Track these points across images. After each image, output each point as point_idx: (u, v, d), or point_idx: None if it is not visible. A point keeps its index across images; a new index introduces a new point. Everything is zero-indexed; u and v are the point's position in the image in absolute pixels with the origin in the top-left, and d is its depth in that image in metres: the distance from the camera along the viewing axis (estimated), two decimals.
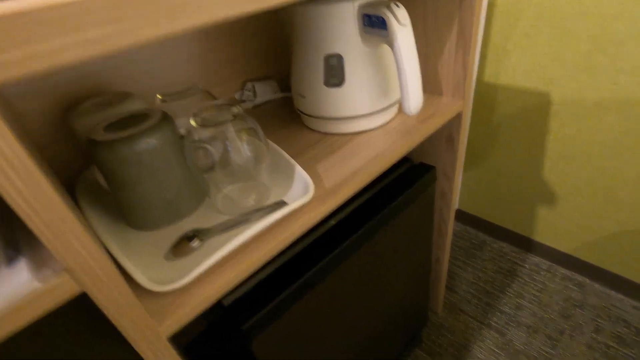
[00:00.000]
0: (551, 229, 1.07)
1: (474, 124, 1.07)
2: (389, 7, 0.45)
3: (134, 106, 0.46)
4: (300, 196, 0.42)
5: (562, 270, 1.08)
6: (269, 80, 0.73)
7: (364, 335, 0.71)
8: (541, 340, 0.92)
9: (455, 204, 1.27)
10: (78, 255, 0.23)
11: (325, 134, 0.58)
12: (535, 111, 0.92)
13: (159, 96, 0.48)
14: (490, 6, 0.88)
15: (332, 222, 0.56)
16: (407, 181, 0.65)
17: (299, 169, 0.46)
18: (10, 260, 0.25)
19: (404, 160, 0.70)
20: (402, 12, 0.45)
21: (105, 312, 0.27)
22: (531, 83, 0.89)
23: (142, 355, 0.31)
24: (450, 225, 0.81)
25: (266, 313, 0.46)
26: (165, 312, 0.33)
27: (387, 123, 0.59)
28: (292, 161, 0.46)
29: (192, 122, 0.40)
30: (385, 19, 0.45)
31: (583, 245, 1.02)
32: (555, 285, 1.05)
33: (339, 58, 0.50)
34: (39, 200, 0.21)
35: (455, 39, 0.58)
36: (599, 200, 0.92)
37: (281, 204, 0.42)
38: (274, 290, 0.47)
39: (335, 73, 0.51)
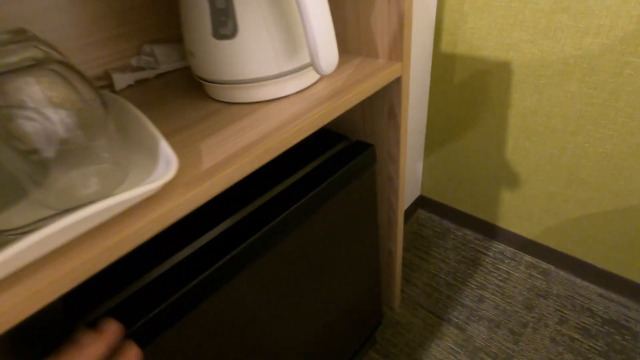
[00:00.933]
0: (515, 213, 0.99)
1: (433, 100, 0.97)
2: None
3: None
4: (161, 177, 0.31)
5: (527, 258, 1.02)
6: (175, 43, 0.60)
7: (305, 342, 0.61)
8: (503, 335, 0.85)
9: (416, 189, 1.18)
10: None
11: (227, 103, 0.46)
12: (495, 83, 0.83)
13: None
14: None
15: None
16: (343, 160, 0.54)
17: (162, 144, 0.34)
18: None
19: (338, 138, 0.59)
20: None
21: None
22: (490, 51, 0.80)
23: None
24: (400, 214, 0.72)
25: (140, 328, 0.34)
26: None
27: (305, 90, 0.47)
28: (155, 133, 0.34)
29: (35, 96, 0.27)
30: None
31: (547, 231, 0.95)
32: (519, 274, 0.98)
33: (228, 1, 0.38)
34: None
35: None
36: (562, 179, 0.85)
37: (131, 189, 0.30)
38: (157, 299, 0.36)
39: (224, 19, 0.39)
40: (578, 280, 0.94)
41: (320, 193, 0.50)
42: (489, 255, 1.04)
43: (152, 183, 0.29)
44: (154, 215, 0.30)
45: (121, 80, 0.55)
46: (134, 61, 0.57)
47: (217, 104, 0.47)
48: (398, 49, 0.51)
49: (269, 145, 0.37)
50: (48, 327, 0.39)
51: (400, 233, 0.75)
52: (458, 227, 1.15)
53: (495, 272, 0.99)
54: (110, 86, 0.55)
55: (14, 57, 0.28)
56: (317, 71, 0.40)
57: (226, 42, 0.40)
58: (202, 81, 0.46)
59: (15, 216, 0.31)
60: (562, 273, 0.96)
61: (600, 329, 0.83)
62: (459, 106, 0.93)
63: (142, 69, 0.58)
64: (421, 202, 1.21)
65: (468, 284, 0.97)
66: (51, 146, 0.30)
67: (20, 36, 0.35)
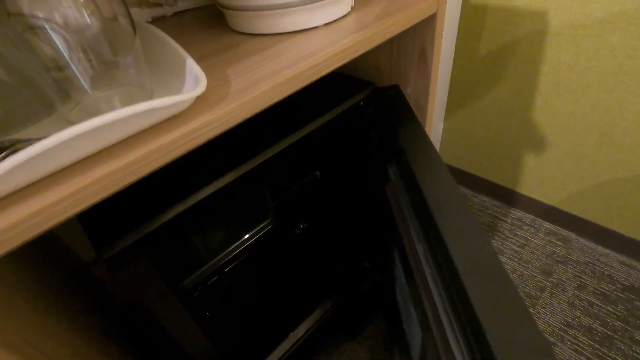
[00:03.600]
0: (537, 178, 0.96)
1: (458, 55, 0.92)
2: None
3: None
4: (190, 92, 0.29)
5: (547, 225, 0.99)
6: None
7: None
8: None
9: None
10: None
11: (252, 35, 0.44)
12: (528, 36, 0.78)
13: None
14: None
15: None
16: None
17: (190, 62, 0.31)
18: None
19: (366, 85, 0.56)
20: None
21: None
22: (525, 1, 0.74)
23: None
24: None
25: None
26: None
27: (334, 22, 0.44)
28: (182, 53, 0.32)
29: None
30: None
31: (571, 197, 0.92)
32: (538, 241, 0.96)
33: None
34: None
35: None
36: (592, 140, 0.81)
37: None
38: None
39: None
40: (599, 248, 0.92)
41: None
42: (506, 222, 1.02)
43: (182, 95, 0.27)
44: (185, 130, 0.28)
45: (138, 16, 0.52)
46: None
47: (240, 36, 0.44)
48: None
49: (299, 70, 0.35)
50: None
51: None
52: (475, 193, 1.12)
53: (513, 238, 0.98)
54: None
55: None
56: None
57: None
58: (224, 9, 0.43)
59: (41, 129, 0.30)
60: (583, 240, 0.94)
61: (621, 295, 0.82)
62: (486, 62, 0.88)
63: (159, 5, 0.55)
64: None
65: None
66: (79, 56, 0.28)
67: None
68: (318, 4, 0.41)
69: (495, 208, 1.07)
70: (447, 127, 1.07)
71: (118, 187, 0.26)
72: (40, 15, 0.27)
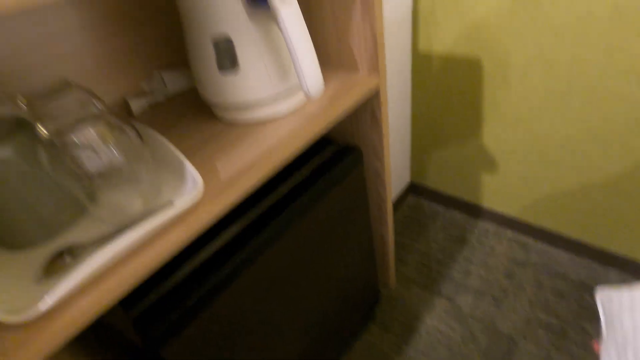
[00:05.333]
0: (497, 193, 1.09)
1: (416, 94, 1.05)
2: None
3: None
4: (191, 194, 0.39)
5: (509, 233, 1.12)
6: (182, 68, 0.68)
7: (313, 321, 0.71)
8: (487, 301, 0.96)
9: (405, 176, 1.27)
10: None
11: (232, 123, 0.55)
12: (469, 76, 0.91)
13: (21, 99, 0.43)
14: None
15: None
16: (332, 164, 0.63)
17: (188, 166, 0.42)
18: None
19: (330, 143, 0.68)
20: None
21: None
22: (462, 49, 0.88)
23: None
24: (389, 202, 0.81)
25: (174, 321, 0.44)
26: (22, 345, 0.30)
27: (298, 108, 0.56)
28: (181, 157, 0.43)
29: (41, 130, 0.35)
30: None
31: (525, 207, 1.05)
32: (501, 248, 1.08)
33: (228, 41, 0.46)
34: None
35: (360, 9, 0.54)
36: (534, 161, 0.94)
37: (169, 205, 0.39)
38: (184, 296, 0.45)
39: (226, 57, 0.47)
40: (553, 250, 1.04)
41: (315, 194, 0.59)
42: (474, 233, 1.14)
43: (186, 200, 0.38)
44: (189, 225, 0.39)
45: (137, 105, 0.63)
46: (144, 85, 0.65)
47: (222, 124, 0.55)
48: (374, 63, 0.59)
49: (274, 161, 0.46)
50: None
51: (390, 220, 0.85)
52: (446, 209, 1.24)
53: (480, 247, 1.10)
54: (129, 110, 0.63)
55: (77, 114, 0.36)
56: (306, 94, 0.48)
57: (229, 74, 0.48)
58: (210, 105, 0.54)
59: (80, 229, 0.40)
60: (539, 244, 1.07)
61: (572, 290, 0.94)
62: (438, 99, 1.01)
63: (152, 92, 0.66)
64: (411, 188, 1.31)
65: (456, 259, 1.08)
66: (103, 172, 0.39)
67: (67, 87, 0.43)
68: (282, 98, 0.52)
69: (463, 221, 1.19)
70: (416, 153, 1.19)
71: (148, 272, 0.36)
72: (75, 141, 0.38)
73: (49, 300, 0.31)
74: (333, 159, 0.64)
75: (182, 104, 0.64)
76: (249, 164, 0.45)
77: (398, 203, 1.28)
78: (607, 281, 0.95)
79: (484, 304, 0.95)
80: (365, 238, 0.80)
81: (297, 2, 0.43)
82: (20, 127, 0.37)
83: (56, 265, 0.36)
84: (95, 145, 0.38)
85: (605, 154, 0.82)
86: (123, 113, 0.62)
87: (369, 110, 0.66)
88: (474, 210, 1.18)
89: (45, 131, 0.36)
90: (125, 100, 0.62)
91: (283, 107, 0.54)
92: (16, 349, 0.29)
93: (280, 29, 0.43)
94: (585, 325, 0.87)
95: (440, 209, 1.25)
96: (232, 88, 0.49)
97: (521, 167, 0.97)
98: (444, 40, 0.89)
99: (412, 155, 1.21)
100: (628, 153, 0.79)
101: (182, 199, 0.38)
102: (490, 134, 0.97)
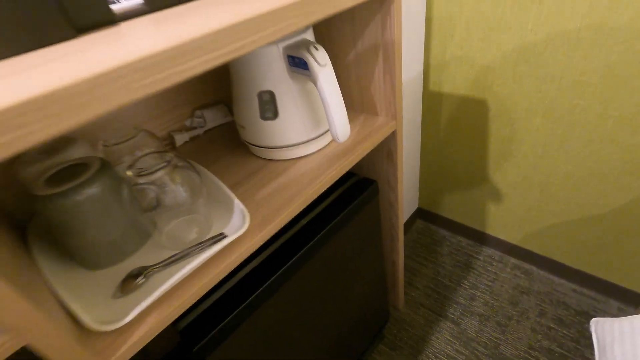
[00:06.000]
0: (500, 222, 1.15)
1: (426, 129, 1.13)
2: (308, 50, 0.49)
3: (76, 153, 0.49)
4: (238, 227, 0.47)
5: (512, 260, 1.17)
6: (218, 105, 0.76)
7: (328, 339, 0.77)
8: (491, 327, 1.00)
9: (402, 212, 1.34)
10: (17, 315, 0.27)
11: (268, 160, 0.63)
12: (476, 115, 0.99)
13: (101, 143, 0.51)
14: (428, 20, 0.94)
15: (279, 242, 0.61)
16: (352, 195, 0.70)
17: (237, 202, 0.50)
18: None
19: (350, 175, 0.75)
20: (321, 54, 0.50)
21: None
22: (469, 91, 0.96)
23: None
24: (400, 231, 0.88)
25: (217, 334, 0.50)
26: (110, 350, 0.37)
27: (326, 146, 0.63)
28: (231, 195, 0.51)
29: (128, 173, 0.43)
30: (306, 61, 0.49)
31: (528, 236, 1.11)
32: (505, 275, 1.13)
33: (271, 94, 0.55)
34: None
35: (382, 64, 0.63)
36: (535, 194, 1.01)
37: (220, 236, 0.47)
38: (224, 312, 0.52)
39: (268, 107, 0.56)
40: (555, 279, 1.09)
41: (336, 223, 0.66)
42: (479, 259, 1.20)
43: (241, 229, 0.45)
44: (239, 251, 0.46)
45: (180, 138, 0.71)
46: (187, 122, 0.74)
47: (259, 160, 0.63)
48: (392, 109, 0.67)
49: (308, 194, 0.53)
50: None
51: (401, 247, 0.91)
52: (452, 234, 1.30)
53: (485, 274, 1.15)
54: (172, 143, 0.71)
55: (151, 158, 0.44)
56: (335, 140, 0.56)
57: (269, 122, 0.57)
58: (250, 145, 0.62)
59: (145, 254, 0.48)
60: (542, 272, 1.12)
61: (573, 319, 0.98)
62: (447, 135, 1.09)
63: (194, 128, 0.75)
64: (419, 213, 1.37)
65: (462, 284, 1.13)
66: (169, 206, 0.47)
67: (137, 132, 0.52)
68: (313, 140, 0.60)
69: (469, 247, 1.24)
70: (424, 182, 1.27)
71: (203, 292, 0.43)
72: (142, 182, 0.45)
73: (132, 314, 0.38)
74: (352, 189, 0.71)
75: (219, 137, 0.72)
76: (286, 198, 0.53)
77: (407, 227, 1.34)
78: (607, 309, 0.99)
79: (489, 329, 1.00)
80: (377, 263, 0.86)
81: (331, 64, 0.51)
82: (104, 167, 0.45)
83: (130, 283, 0.43)
84: (165, 184, 0.45)
85: (602, 190, 0.88)
86: (169, 145, 0.71)
87: (385, 148, 0.73)
88: (479, 237, 1.24)
89: (127, 172, 0.44)
90: (170, 134, 0.71)
91: (313, 147, 0.61)
92: (117, 347, 0.36)
93: (317, 87, 0.51)
94: (585, 352, 0.91)
95: (447, 234, 1.31)
96: (272, 133, 0.57)
97: (524, 198, 1.04)
98: (453, 82, 0.98)
99: (421, 183, 1.28)
100: (622, 190, 0.85)
101: (234, 231, 0.46)
102: (495, 167, 1.04)
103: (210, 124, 0.75)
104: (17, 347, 0.29)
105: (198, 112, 0.74)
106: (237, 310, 0.52)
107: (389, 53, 0.60)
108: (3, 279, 0.26)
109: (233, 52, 0.34)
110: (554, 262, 1.08)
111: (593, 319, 0.69)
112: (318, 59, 0.49)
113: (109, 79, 0.26)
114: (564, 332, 0.96)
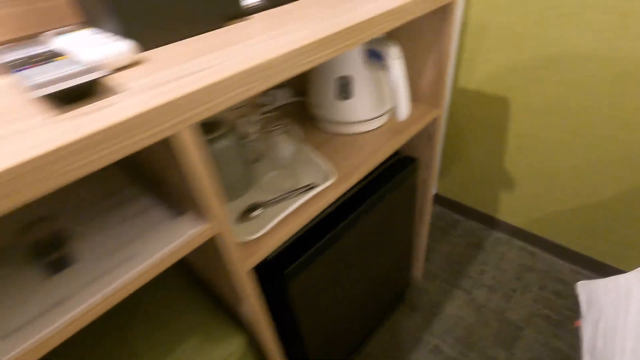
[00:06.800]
0: (510, 208, 1.29)
1: (451, 122, 1.27)
2: (386, 46, 0.63)
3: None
4: (325, 180, 0.61)
5: (518, 243, 1.32)
6: (284, 87, 0.90)
7: (367, 285, 0.91)
8: (499, 296, 1.15)
9: (434, 188, 1.48)
10: (214, 216, 0.41)
11: (334, 134, 0.76)
12: (498, 111, 1.13)
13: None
14: (464, 25, 1.07)
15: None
16: (395, 169, 0.84)
17: (323, 161, 0.64)
18: (178, 215, 0.42)
19: (394, 154, 0.89)
20: (395, 49, 0.63)
21: (222, 250, 0.45)
22: (494, 89, 1.10)
23: (234, 277, 0.49)
24: (429, 205, 1.02)
25: (300, 263, 0.64)
26: (249, 253, 0.51)
27: (382, 126, 0.77)
28: (317, 155, 0.65)
29: (250, 130, 0.57)
30: (384, 54, 0.63)
31: (533, 221, 1.25)
32: (512, 255, 1.28)
33: (349, 79, 0.68)
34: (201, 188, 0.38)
35: (434, 62, 0.76)
36: (543, 184, 1.15)
37: (312, 185, 0.60)
38: (306, 247, 0.66)
39: (344, 90, 0.69)
40: (556, 259, 1.24)
41: (384, 190, 0.79)
42: (489, 240, 1.34)
43: (329, 180, 0.59)
44: (324, 200, 0.60)
45: (252, 115, 0.85)
46: (259, 100, 0.87)
47: (327, 135, 0.77)
48: (438, 99, 0.81)
49: (372, 161, 0.67)
50: None
51: (428, 219, 1.06)
52: (465, 218, 1.45)
53: (493, 253, 1.30)
54: None
55: (272, 123, 0.58)
56: (399, 118, 0.69)
57: (344, 101, 0.70)
58: (319, 120, 0.76)
59: (250, 198, 0.61)
60: (544, 254, 1.27)
61: (570, 293, 1.13)
62: (468, 129, 1.23)
63: (264, 105, 0.88)
64: (437, 199, 1.52)
65: (473, 261, 1.28)
66: (274, 159, 0.60)
67: (245, 101, 0.65)
68: (376, 118, 0.74)
69: (480, 230, 1.39)
70: (444, 170, 1.41)
71: (299, 229, 0.57)
72: (254, 138, 0.59)
73: (263, 231, 0.52)
74: (396, 165, 0.85)
75: (286, 114, 0.86)
76: (355, 163, 0.67)
77: None
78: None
79: (496, 298, 1.15)
80: (408, 232, 1.01)
81: (402, 58, 0.65)
82: (232, 127, 0.59)
83: (246, 215, 0.57)
84: (275, 142, 0.59)
85: (602, 181, 1.03)
86: None
87: (426, 132, 0.87)
88: (489, 221, 1.38)
89: (249, 129, 0.58)
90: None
91: (374, 125, 0.75)
92: (253, 253, 0.50)
93: (390, 74, 0.64)
94: (578, 318, 1.06)
95: (461, 218, 1.45)
96: (344, 111, 0.71)
97: (532, 187, 1.18)
98: (479, 80, 1.12)
99: (441, 171, 1.42)
100: (619, 182, 1.00)
101: (322, 183, 0.60)
102: (510, 159, 1.18)
103: (278, 102, 0.89)
104: (212, 235, 0.43)
105: (270, 91, 0.87)
106: (315, 246, 0.66)
107: (442, 53, 0.74)
108: (214, 187, 0.40)
109: (351, 44, 0.48)
110: (556, 244, 1.23)
111: (579, 282, 0.84)
112: (393, 54, 0.63)
113: (296, 54, 0.40)
114: (561, 302, 1.11)
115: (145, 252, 0.38)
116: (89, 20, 0.49)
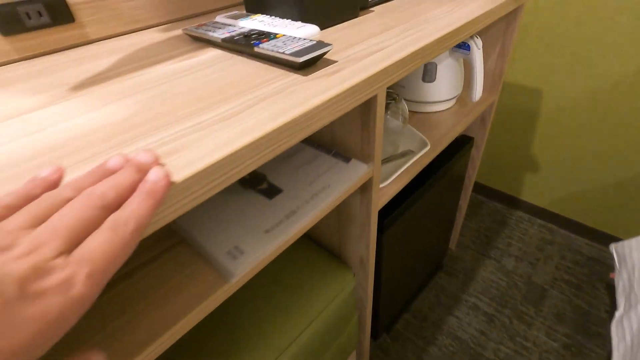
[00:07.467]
0: (532, 189, 1.46)
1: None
2: (472, 38, 0.77)
3: None
4: (422, 148, 0.74)
5: (539, 221, 1.49)
6: None
7: (417, 255, 1.06)
8: (525, 264, 1.32)
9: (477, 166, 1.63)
10: (375, 162, 0.54)
11: (414, 112, 0.90)
12: (532, 102, 1.28)
13: None
14: None
15: None
16: (457, 146, 0.98)
17: (419, 132, 0.77)
18: (348, 160, 0.55)
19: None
20: (479, 41, 0.77)
21: (374, 188, 0.58)
22: (530, 82, 1.25)
23: (372, 215, 0.62)
24: (472, 181, 1.17)
25: (395, 215, 0.78)
26: (380, 195, 0.64)
27: (451, 107, 0.91)
28: (414, 130, 0.78)
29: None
30: (470, 45, 0.77)
31: (553, 201, 1.42)
32: (533, 231, 1.45)
33: (435, 65, 0.82)
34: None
35: (497, 54, 0.90)
36: (566, 167, 1.31)
37: (410, 152, 0.74)
38: (398, 203, 0.80)
39: (430, 74, 0.83)
40: (573, 235, 1.41)
41: (448, 165, 0.94)
42: (512, 219, 1.51)
43: (425, 148, 0.73)
44: (420, 165, 0.73)
45: None
46: None
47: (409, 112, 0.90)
48: (496, 87, 0.95)
49: (451, 136, 0.81)
50: None
51: (469, 194, 1.21)
52: (489, 200, 1.61)
53: (517, 229, 1.46)
54: None
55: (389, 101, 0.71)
56: (472, 99, 0.83)
57: (428, 84, 0.84)
58: (406, 100, 0.89)
59: None
60: (562, 231, 1.44)
61: (587, 262, 1.30)
62: (502, 116, 1.38)
63: None
64: None
65: (499, 236, 1.44)
66: (388, 128, 0.73)
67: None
68: (451, 99, 0.88)
69: (503, 210, 1.55)
70: None
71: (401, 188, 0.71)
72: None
73: (387, 182, 0.65)
74: (457, 142, 0.99)
75: None
76: (439, 136, 0.81)
77: None
78: (612, 259, 1.31)
79: (523, 265, 1.31)
80: (454, 204, 1.15)
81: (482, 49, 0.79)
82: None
83: None
84: (393, 112, 0.73)
85: (620, 164, 1.19)
86: None
87: (481, 115, 1.01)
88: (511, 202, 1.55)
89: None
90: None
91: (447, 105, 0.89)
92: (381, 196, 0.64)
93: (473, 61, 0.78)
94: (595, 283, 1.23)
95: (485, 199, 1.61)
96: (427, 92, 0.85)
97: (557, 170, 1.35)
98: (517, 73, 1.27)
99: None
100: (636, 164, 1.16)
101: (419, 150, 0.73)
102: (538, 145, 1.34)
103: None
104: (372, 175, 0.56)
105: None
106: (405, 203, 0.80)
107: (505, 47, 0.88)
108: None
109: (462, 37, 0.61)
110: (574, 221, 1.40)
111: (612, 243, 1.00)
112: (478, 45, 0.77)
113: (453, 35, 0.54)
114: (580, 270, 1.28)
115: (336, 183, 0.51)
116: (252, 8, 0.61)
